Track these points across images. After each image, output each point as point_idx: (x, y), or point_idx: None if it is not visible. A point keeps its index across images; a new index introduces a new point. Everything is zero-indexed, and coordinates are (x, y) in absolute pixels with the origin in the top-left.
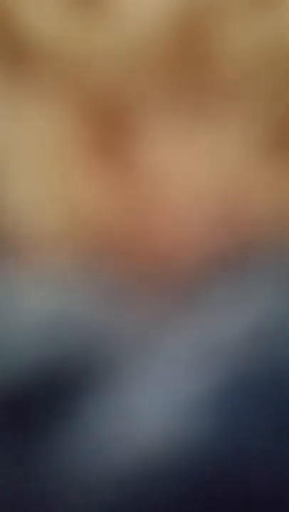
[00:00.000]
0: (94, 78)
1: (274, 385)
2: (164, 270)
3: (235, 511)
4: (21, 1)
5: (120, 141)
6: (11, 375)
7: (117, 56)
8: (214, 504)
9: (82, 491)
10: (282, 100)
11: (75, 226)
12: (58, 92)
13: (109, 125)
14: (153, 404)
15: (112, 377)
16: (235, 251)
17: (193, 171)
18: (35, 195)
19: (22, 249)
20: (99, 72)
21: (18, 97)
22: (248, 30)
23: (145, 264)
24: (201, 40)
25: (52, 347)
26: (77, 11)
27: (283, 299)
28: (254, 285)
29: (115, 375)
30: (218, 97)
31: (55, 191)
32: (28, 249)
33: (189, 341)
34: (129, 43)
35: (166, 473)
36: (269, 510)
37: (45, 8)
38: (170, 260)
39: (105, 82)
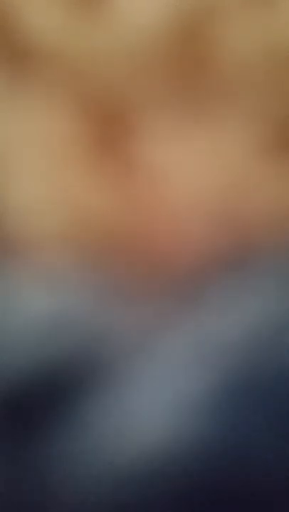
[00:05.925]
0: (95, 78)
1: (274, 386)
2: (164, 270)
3: (235, 511)
4: (22, 2)
5: (121, 141)
6: (11, 375)
7: (118, 56)
8: (214, 504)
9: (82, 491)
10: (282, 100)
11: (75, 226)
12: (59, 92)
13: (109, 125)
14: (152, 405)
15: (112, 377)
16: (236, 251)
17: (193, 171)
18: (35, 195)
19: (22, 249)
20: (100, 73)
21: (18, 97)
22: (248, 31)
23: (145, 265)
24: (201, 40)
25: (52, 347)
26: (79, 11)
27: (283, 300)
28: (254, 286)
29: (115, 375)
30: (218, 97)
31: (56, 191)
32: (28, 250)
33: (189, 342)
34: (130, 43)
35: (166, 473)
36: (269, 510)
37: (46, 8)
38: (170, 260)
39: (106, 83)
